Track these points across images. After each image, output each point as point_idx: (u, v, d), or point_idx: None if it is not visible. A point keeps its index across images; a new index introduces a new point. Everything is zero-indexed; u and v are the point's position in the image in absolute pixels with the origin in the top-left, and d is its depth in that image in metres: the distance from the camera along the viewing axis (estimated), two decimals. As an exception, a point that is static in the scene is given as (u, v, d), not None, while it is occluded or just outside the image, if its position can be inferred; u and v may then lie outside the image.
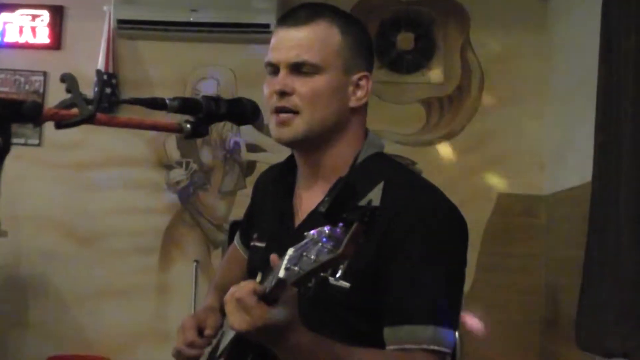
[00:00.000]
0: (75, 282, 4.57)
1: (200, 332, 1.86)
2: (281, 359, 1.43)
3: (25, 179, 4.51)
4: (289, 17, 1.70)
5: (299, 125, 1.65)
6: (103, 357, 4.45)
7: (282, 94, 1.64)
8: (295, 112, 1.65)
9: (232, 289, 1.34)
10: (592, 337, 3.32)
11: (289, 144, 1.71)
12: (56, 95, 3.92)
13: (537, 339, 4.42)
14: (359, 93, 1.71)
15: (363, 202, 1.47)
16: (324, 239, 1.18)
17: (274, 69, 1.68)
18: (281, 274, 1.24)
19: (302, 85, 1.64)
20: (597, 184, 3.38)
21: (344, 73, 1.68)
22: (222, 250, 4.45)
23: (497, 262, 4.44)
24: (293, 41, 1.66)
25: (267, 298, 1.31)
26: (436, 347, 1.50)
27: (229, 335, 1.79)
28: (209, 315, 1.93)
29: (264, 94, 1.70)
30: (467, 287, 4.06)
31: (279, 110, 1.66)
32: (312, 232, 1.22)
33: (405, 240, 1.55)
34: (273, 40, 1.70)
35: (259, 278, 1.41)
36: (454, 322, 1.57)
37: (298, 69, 1.65)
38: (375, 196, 1.59)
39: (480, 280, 4.34)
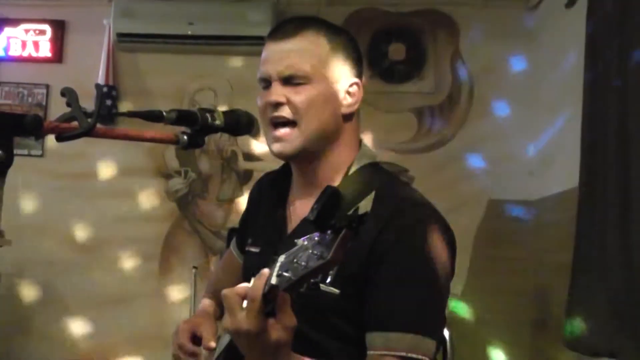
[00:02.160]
0: (77, 289, 4.57)
1: (194, 336, 1.86)
2: None
3: (29, 189, 4.52)
4: (277, 30, 1.70)
5: (297, 138, 1.65)
6: (105, 361, 4.45)
7: (277, 105, 1.64)
8: (292, 122, 1.64)
9: (240, 286, 1.31)
10: (579, 337, 3.33)
11: (289, 158, 1.71)
12: (59, 107, 3.92)
13: (527, 339, 4.43)
14: (351, 100, 1.71)
15: (351, 211, 1.48)
16: (314, 246, 1.18)
17: (267, 82, 1.68)
18: (273, 280, 1.24)
19: (295, 95, 1.64)
20: (584, 189, 3.39)
21: (334, 81, 1.68)
22: (220, 256, 4.45)
23: (487, 266, 4.45)
24: (283, 53, 1.66)
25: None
26: (414, 355, 1.50)
27: (224, 340, 1.79)
28: (204, 320, 1.93)
29: (259, 107, 1.70)
30: (458, 290, 4.09)
31: (275, 122, 1.66)
32: (302, 239, 1.22)
33: (392, 251, 1.54)
34: (263, 55, 1.70)
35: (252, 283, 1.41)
36: (434, 331, 1.56)
37: (290, 80, 1.64)
38: (366, 206, 1.60)
39: (471, 283, 4.35)
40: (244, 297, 1.28)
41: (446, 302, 1.63)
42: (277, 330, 1.28)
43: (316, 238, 1.19)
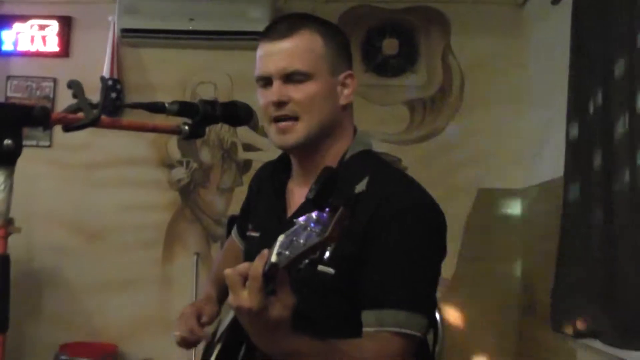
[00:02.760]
0: (84, 274, 4.58)
1: (198, 319, 1.88)
2: (262, 349, 1.41)
3: (37, 179, 4.52)
4: (272, 30, 1.70)
5: (300, 131, 1.66)
6: (111, 344, 4.46)
7: (280, 104, 1.65)
8: (295, 118, 1.66)
9: (242, 265, 1.31)
10: (564, 320, 3.35)
11: (291, 149, 1.72)
12: (65, 100, 3.93)
13: (515, 322, 4.44)
14: (346, 91, 1.73)
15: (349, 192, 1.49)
16: (312, 224, 1.19)
17: (266, 81, 1.69)
18: (273, 258, 1.24)
19: (296, 93, 1.65)
20: (569, 178, 3.40)
21: (331, 75, 1.70)
22: (221, 243, 4.46)
23: (477, 252, 4.46)
24: (281, 53, 1.66)
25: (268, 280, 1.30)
26: (408, 331, 1.53)
27: (227, 321, 1.80)
28: (207, 304, 1.94)
29: (260, 105, 1.70)
30: (449, 275, 4.11)
31: (278, 119, 1.67)
32: (301, 218, 1.22)
33: (386, 231, 1.56)
34: (260, 54, 1.71)
35: None
36: (426, 308, 1.59)
37: (290, 78, 1.65)
38: (360, 189, 1.61)
39: (461, 269, 4.36)
40: (245, 277, 1.29)
41: (438, 281, 1.64)
42: (277, 308, 1.30)
43: (314, 216, 1.20)
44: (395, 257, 1.56)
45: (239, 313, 1.32)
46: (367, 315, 1.55)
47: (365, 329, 1.55)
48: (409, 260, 1.57)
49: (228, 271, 1.32)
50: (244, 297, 1.28)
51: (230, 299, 1.32)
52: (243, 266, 1.31)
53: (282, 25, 1.70)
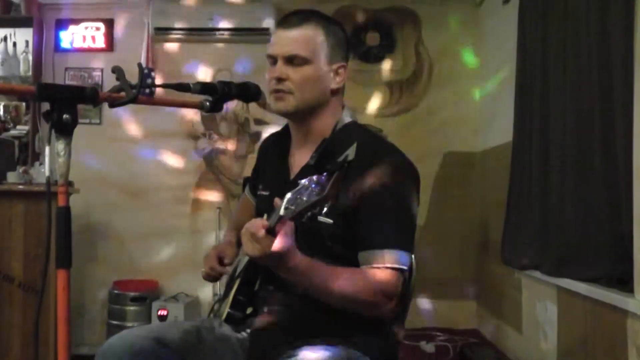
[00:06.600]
0: (130, 226, 4.61)
1: (220, 259, 1.90)
2: (283, 278, 1.47)
3: (91, 149, 4.52)
4: (285, 21, 1.71)
5: (290, 101, 1.67)
6: (152, 280, 4.51)
7: (279, 79, 1.66)
8: (290, 93, 1.66)
9: (247, 225, 1.38)
10: (512, 255, 3.39)
11: (283, 114, 1.73)
12: (111, 86, 3.91)
13: (474, 258, 4.49)
14: (338, 79, 1.72)
15: (341, 158, 1.50)
16: (313, 185, 1.21)
17: (273, 60, 1.69)
18: (282, 212, 1.27)
19: (294, 73, 1.65)
20: (516, 143, 3.42)
21: (326, 63, 1.69)
22: (238, 199, 4.48)
23: (444, 203, 4.48)
24: (288, 39, 1.66)
25: (272, 232, 1.34)
26: (397, 266, 1.54)
27: (244, 261, 1.83)
28: (227, 247, 1.95)
29: (266, 79, 1.71)
30: (422, 221, 4.11)
31: (277, 91, 1.68)
32: (304, 180, 1.25)
33: (373, 187, 1.57)
34: (273, 38, 1.71)
35: (265, 218, 1.44)
36: (410, 246, 1.60)
37: (291, 60, 1.66)
38: (350, 153, 1.62)
39: (431, 216, 4.40)
40: (252, 233, 1.35)
41: (416, 225, 1.66)
42: (278, 243, 1.35)
43: (315, 179, 1.22)
44: (384, 208, 1.57)
45: (252, 257, 1.38)
46: (364, 256, 1.56)
47: (363, 267, 1.55)
48: (396, 209, 1.58)
49: (242, 230, 1.39)
50: (253, 247, 1.35)
51: (244, 248, 1.39)
52: (251, 223, 1.37)
53: (294, 17, 1.70)
